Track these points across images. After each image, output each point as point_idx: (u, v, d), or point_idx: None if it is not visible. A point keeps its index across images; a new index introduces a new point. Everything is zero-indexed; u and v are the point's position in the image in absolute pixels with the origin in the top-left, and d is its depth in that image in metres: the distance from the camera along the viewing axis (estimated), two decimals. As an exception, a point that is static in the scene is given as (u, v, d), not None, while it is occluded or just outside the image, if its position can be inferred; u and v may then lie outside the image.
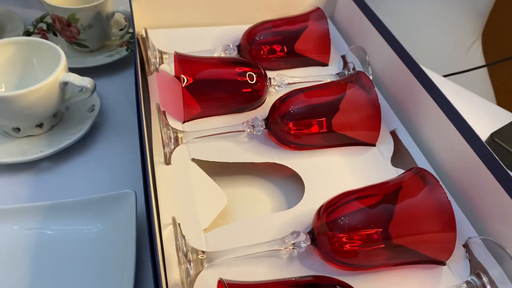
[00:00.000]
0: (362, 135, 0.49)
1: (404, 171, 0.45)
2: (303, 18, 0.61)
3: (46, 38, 0.65)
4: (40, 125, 0.51)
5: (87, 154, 0.51)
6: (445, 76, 0.72)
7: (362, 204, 0.38)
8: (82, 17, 0.59)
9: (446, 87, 0.68)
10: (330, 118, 0.48)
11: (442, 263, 0.39)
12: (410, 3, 1.21)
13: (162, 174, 0.44)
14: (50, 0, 0.58)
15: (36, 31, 0.66)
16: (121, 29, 0.68)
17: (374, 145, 0.49)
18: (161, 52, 0.56)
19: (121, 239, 0.40)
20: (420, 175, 0.40)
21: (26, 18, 0.70)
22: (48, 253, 0.40)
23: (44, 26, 0.67)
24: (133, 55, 0.48)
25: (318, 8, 0.60)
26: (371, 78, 0.54)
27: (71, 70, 0.59)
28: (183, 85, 0.48)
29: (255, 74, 0.51)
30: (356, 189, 0.40)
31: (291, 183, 0.48)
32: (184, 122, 0.50)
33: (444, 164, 0.47)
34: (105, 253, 0.40)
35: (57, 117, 0.52)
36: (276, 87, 0.55)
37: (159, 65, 0.56)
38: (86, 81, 0.48)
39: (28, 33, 0.65)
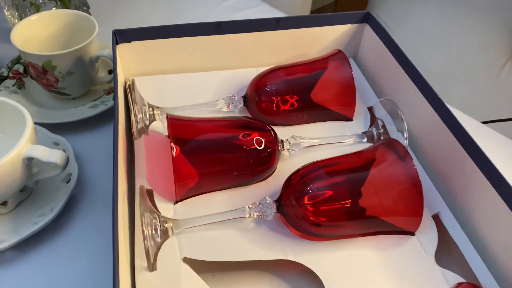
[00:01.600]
0: (399, 220, 0.40)
1: (453, 275, 0.36)
2: (321, 62, 0.52)
3: (23, 84, 0.57)
4: (4, 203, 0.42)
5: (59, 239, 0.43)
6: (484, 122, 0.63)
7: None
8: (60, 63, 0.50)
9: (488, 140, 0.58)
10: (360, 200, 0.39)
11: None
12: (436, 16, 1.12)
13: (145, 283, 0.35)
14: (22, 44, 0.50)
15: (11, 75, 0.58)
16: (110, 71, 0.59)
17: (413, 233, 0.40)
18: (152, 107, 0.48)
19: None
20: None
21: (3, 56, 0.62)
22: None
23: (21, 69, 0.59)
24: (114, 117, 0.40)
25: (340, 51, 0.51)
26: (406, 143, 0.45)
27: (46, 126, 0.52)
28: (175, 155, 0.40)
29: (264, 138, 0.43)
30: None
31: (309, 282, 0.39)
32: (176, 201, 0.42)
33: (504, 263, 0.37)
34: None
35: (25, 191, 0.44)
36: (290, 151, 0.46)
37: (149, 122, 0.47)
38: (55, 156, 0.39)
39: (0, 78, 0.57)
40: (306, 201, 0.39)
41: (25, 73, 0.59)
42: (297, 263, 0.38)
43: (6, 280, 0.40)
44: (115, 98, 0.41)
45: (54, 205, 0.43)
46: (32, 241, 0.42)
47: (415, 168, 0.39)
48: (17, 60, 0.60)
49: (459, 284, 0.33)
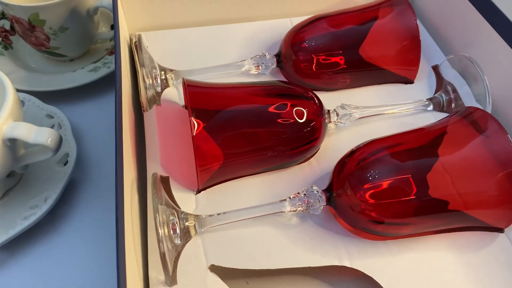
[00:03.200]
0: (485, 214, 0.31)
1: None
2: (374, 8, 0.42)
3: (9, 43, 0.49)
4: (-14, 192, 0.35)
5: (56, 235, 0.35)
6: None
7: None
8: (50, 17, 0.41)
9: None
10: (434, 190, 0.30)
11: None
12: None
13: (163, 301, 0.28)
14: (2, -6, 0.41)
15: (-5, 32, 0.49)
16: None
17: (502, 230, 0.32)
18: (164, 70, 0.39)
19: None
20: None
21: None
22: None
23: (7, 25, 0.50)
24: (114, 81, 0.32)
25: None
26: (489, 111, 0.36)
27: (38, 94, 0.43)
28: (196, 132, 0.32)
29: (305, 108, 0.34)
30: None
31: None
32: (198, 191, 0.34)
33: None
34: None
35: (12, 177, 0.37)
36: (339, 123, 0.37)
37: (162, 89, 0.39)
38: (44, 136, 0.31)
39: (-16, 36, 0.49)
40: (365, 192, 0.30)
41: (12, 31, 0.50)
42: (353, 268, 0.31)
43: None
44: (116, 60, 0.33)
45: (49, 194, 0.36)
46: (23, 239, 0.35)
47: (511, 144, 0.30)
48: (2, 14, 0.51)
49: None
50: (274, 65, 0.42)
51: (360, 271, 0.31)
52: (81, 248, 0.35)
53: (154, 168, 0.34)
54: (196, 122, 0.32)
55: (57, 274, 0.33)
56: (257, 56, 0.41)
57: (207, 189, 0.34)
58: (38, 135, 0.31)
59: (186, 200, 0.33)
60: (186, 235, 0.30)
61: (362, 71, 0.41)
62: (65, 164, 0.38)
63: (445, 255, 0.31)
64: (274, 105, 0.35)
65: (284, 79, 0.42)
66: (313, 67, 0.40)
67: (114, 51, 0.34)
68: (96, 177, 0.39)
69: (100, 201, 0.37)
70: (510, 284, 0.30)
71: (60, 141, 0.32)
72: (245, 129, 0.34)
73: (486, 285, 0.30)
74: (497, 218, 0.32)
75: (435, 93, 0.40)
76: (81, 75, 0.45)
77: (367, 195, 0.30)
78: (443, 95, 0.39)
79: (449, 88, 0.39)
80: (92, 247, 0.35)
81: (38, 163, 0.38)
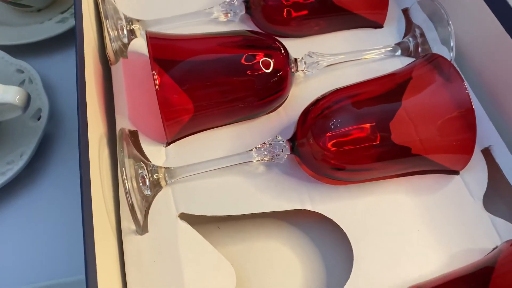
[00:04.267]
0: (442, 158, 0.33)
1: (505, 223, 0.31)
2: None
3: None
4: (-38, 149, 0.36)
5: (33, 189, 0.37)
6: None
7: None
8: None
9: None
10: (394, 135, 0.32)
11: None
12: None
13: (134, 251, 0.30)
14: None
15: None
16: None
17: (457, 172, 0.34)
18: (130, 20, 0.39)
19: None
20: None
21: None
22: None
23: (-32, -27, 0.49)
24: (75, 31, 0.32)
25: None
26: (453, 55, 0.36)
27: (6, 48, 0.43)
28: (159, 82, 0.32)
29: (272, 59, 0.34)
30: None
31: (330, 231, 0.34)
32: (168, 143, 0.35)
33: None
34: None
35: (-14, 133, 0.38)
36: (306, 72, 0.38)
37: (128, 41, 0.39)
38: (11, 95, 0.32)
39: None
40: (327, 140, 0.32)
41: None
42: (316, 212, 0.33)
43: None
44: (76, 12, 0.32)
45: (24, 149, 0.37)
46: (2, 193, 0.37)
47: (467, 91, 0.31)
48: (-37, -37, 0.49)
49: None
50: (243, 12, 0.41)
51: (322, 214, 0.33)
52: (60, 200, 0.36)
53: (122, 122, 0.35)
54: (160, 75, 0.32)
55: (37, 226, 0.35)
56: (226, 3, 0.41)
57: (177, 142, 0.35)
58: (5, 93, 0.32)
59: (156, 153, 0.34)
60: (156, 186, 0.32)
61: (332, 16, 0.41)
62: (39, 119, 0.39)
63: (403, 197, 0.33)
64: (241, 56, 0.35)
65: (254, 26, 0.42)
66: (283, 14, 0.40)
67: (73, 2, 0.34)
68: (70, 130, 0.40)
69: (75, 153, 0.39)
70: (462, 223, 0.32)
71: (28, 99, 0.33)
72: (212, 80, 0.34)
73: (439, 225, 0.32)
74: (453, 161, 0.33)
75: (403, 37, 0.40)
76: (49, 27, 0.45)
77: (329, 144, 0.32)
78: (410, 39, 0.39)
79: (417, 32, 0.39)
80: (71, 198, 0.36)
81: (11, 121, 0.38)
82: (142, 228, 0.30)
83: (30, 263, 0.33)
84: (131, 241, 0.30)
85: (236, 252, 0.33)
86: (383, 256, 0.31)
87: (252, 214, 0.34)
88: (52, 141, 0.40)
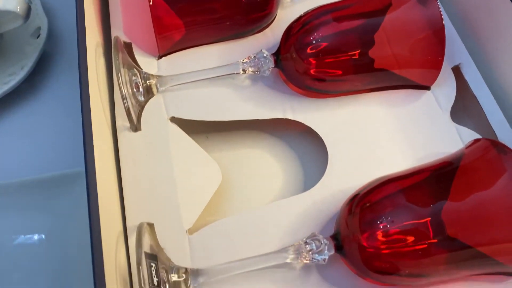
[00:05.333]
0: (413, 73, 0.36)
1: (468, 131, 0.34)
2: None
3: None
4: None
5: (33, 101, 0.40)
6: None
7: (410, 199, 0.28)
8: None
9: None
10: (369, 49, 0.34)
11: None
12: None
13: (128, 146, 0.33)
14: None
15: None
16: None
17: (428, 88, 0.36)
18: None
19: (75, 240, 0.31)
20: (497, 151, 0.29)
21: None
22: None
23: None
24: None
25: None
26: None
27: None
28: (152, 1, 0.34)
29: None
30: (400, 176, 0.29)
31: (309, 141, 0.37)
32: (160, 56, 0.37)
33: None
34: (52, 260, 0.31)
35: (-12, 49, 0.40)
36: (291, -3, 0.40)
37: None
38: (12, 4, 0.34)
39: None
40: (308, 53, 0.34)
41: None
42: (297, 122, 0.35)
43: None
44: None
45: (25, 62, 0.39)
46: (3, 103, 0.39)
47: (439, 11, 0.33)
48: None
49: (476, 140, 0.31)
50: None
51: (302, 124, 0.35)
52: (57, 110, 0.39)
53: (117, 34, 0.37)
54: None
55: (35, 133, 0.38)
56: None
57: (168, 55, 0.37)
58: (6, 2, 0.34)
59: (148, 64, 0.37)
60: (148, 92, 0.34)
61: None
62: (38, 37, 0.41)
63: (377, 109, 0.36)
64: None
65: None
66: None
67: None
68: (68, 49, 0.43)
69: (72, 70, 0.41)
70: (430, 132, 0.35)
71: (29, 9, 0.35)
72: (202, -1, 0.37)
73: (410, 133, 0.35)
74: (424, 76, 0.36)
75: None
76: None
77: (310, 56, 0.34)
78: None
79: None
80: (67, 108, 0.39)
81: (13, 36, 0.41)
82: (136, 126, 0.33)
83: (32, 157, 0.36)
84: (126, 137, 0.33)
85: (222, 158, 0.36)
86: (355, 158, 0.34)
87: (238, 125, 0.37)
88: (51, 59, 0.42)
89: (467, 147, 0.30)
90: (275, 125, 0.38)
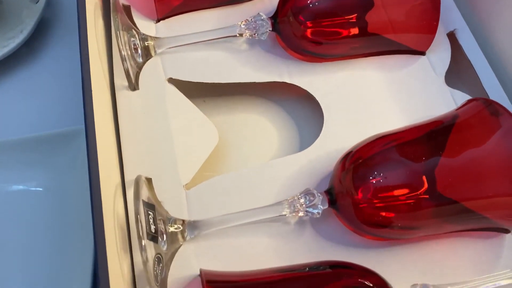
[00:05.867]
0: (409, 38, 0.36)
1: (462, 94, 0.34)
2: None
3: None
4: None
5: (33, 64, 0.40)
6: None
7: (404, 154, 0.29)
8: None
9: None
10: (365, 13, 0.35)
11: (506, 231, 0.30)
12: None
13: (126, 103, 0.33)
14: None
15: None
16: None
17: (424, 53, 0.37)
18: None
19: (74, 195, 0.31)
20: (489, 110, 0.29)
21: None
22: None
23: None
24: None
25: None
26: None
27: None
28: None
29: None
30: (394, 133, 0.29)
31: (305, 104, 0.37)
32: (158, 20, 0.37)
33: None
34: (52, 214, 0.32)
35: (-12, 14, 0.40)
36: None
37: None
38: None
39: None
40: (305, 16, 0.35)
41: None
42: (293, 87, 0.36)
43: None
44: None
45: (24, 26, 0.40)
46: (3, 66, 0.40)
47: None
48: None
49: (471, 100, 0.31)
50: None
51: (298, 89, 0.36)
52: (56, 74, 0.40)
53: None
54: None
55: (33, 98, 0.39)
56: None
57: (166, 19, 0.38)
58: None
59: (147, 28, 0.37)
60: (147, 54, 0.35)
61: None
62: (37, 2, 0.41)
63: (373, 73, 0.36)
64: None
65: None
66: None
67: None
68: (66, 15, 0.43)
69: (70, 36, 0.42)
70: (425, 95, 0.35)
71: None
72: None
73: (404, 97, 0.35)
74: (419, 41, 0.36)
75: None
76: None
77: (307, 21, 0.35)
78: None
79: None
80: (65, 72, 0.40)
81: (12, 2, 0.41)
82: (134, 86, 0.33)
83: (32, 117, 0.36)
84: (124, 96, 0.33)
85: (219, 122, 0.36)
86: (350, 120, 0.34)
87: (235, 90, 0.38)
88: (50, 24, 0.42)
89: (463, 106, 0.31)
90: (271, 90, 0.38)
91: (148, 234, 0.26)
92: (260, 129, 0.37)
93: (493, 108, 0.29)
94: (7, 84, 0.39)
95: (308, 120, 0.37)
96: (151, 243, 0.26)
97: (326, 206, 0.29)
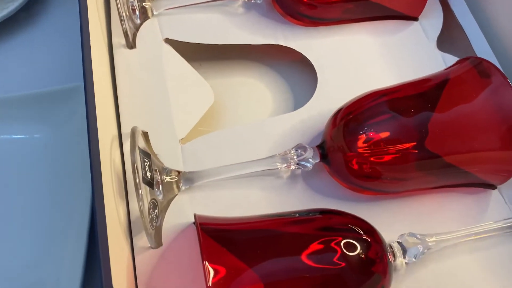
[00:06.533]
0: (401, 4, 0.37)
1: (453, 58, 0.35)
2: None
3: None
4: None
5: (32, 27, 0.41)
6: None
7: (393, 110, 0.29)
8: None
9: None
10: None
11: (493, 187, 0.31)
12: None
13: (124, 61, 0.34)
14: None
15: None
16: None
17: (416, 18, 0.37)
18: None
19: (70, 154, 0.32)
20: (479, 68, 0.29)
21: None
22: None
23: None
24: None
25: None
26: None
27: None
28: None
29: None
30: (386, 89, 0.30)
31: (299, 69, 0.38)
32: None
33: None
34: (47, 173, 0.33)
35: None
36: None
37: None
38: None
39: None
40: (300, -21, 0.35)
41: None
42: (288, 52, 0.37)
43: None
44: None
45: (22, -10, 0.40)
46: (3, 30, 0.41)
47: None
48: None
49: (461, 59, 0.31)
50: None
51: (293, 53, 0.36)
52: (57, 36, 0.41)
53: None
54: None
55: (33, 61, 0.40)
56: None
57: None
58: None
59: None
60: (144, 15, 0.35)
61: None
62: (36, -32, 0.42)
63: (366, 37, 0.37)
64: None
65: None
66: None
67: None
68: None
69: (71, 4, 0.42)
70: (417, 59, 0.36)
71: None
72: None
73: (397, 60, 0.36)
74: (411, 6, 0.37)
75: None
76: None
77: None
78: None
79: None
80: (65, 35, 0.41)
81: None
82: (132, 43, 0.34)
83: (32, 76, 0.37)
84: (122, 54, 0.34)
85: (215, 84, 0.37)
86: (343, 82, 0.35)
87: (230, 55, 0.39)
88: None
89: (454, 64, 0.31)
90: (267, 54, 0.39)
91: (144, 178, 0.26)
92: (255, 92, 0.38)
93: (483, 66, 0.30)
94: (7, 46, 0.40)
95: (302, 84, 0.38)
96: (147, 189, 0.27)
97: (318, 160, 0.30)
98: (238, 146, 0.32)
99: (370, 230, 0.26)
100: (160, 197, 0.28)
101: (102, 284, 0.23)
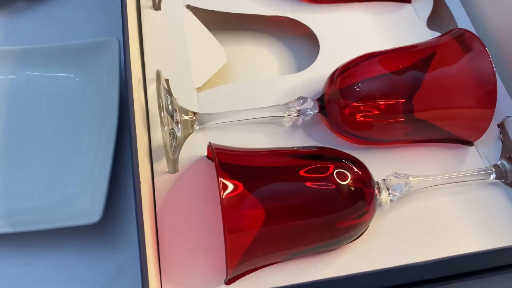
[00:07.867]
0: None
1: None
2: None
3: None
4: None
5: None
6: None
7: (385, 68, 0.34)
8: None
9: None
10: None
11: (470, 143, 0.35)
12: None
13: (150, 21, 0.39)
14: None
15: None
16: None
17: (409, 1, 0.42)
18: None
19: (101, 93, 0.37)
20: (462, 37, 0.34)
21: None
22: (20, 102, 0.38)
23: None
24: None
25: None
26: None
27: None
28: None
29: None
30: (379, 51, 0.35)
31: (304, 42, 0.43)
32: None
33: (494, 29, 0.40)
34: (83, 106, 0.38)
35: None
36: None
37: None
38: None
39: None
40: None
41: None
42: (295, 25, 0.41)
43: (15, 25, 0.44)
44: None
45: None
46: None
47: None
48: None
49: (448, 30, 0.35)
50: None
51: (300, 26, 0.41)
52: (85, 3, 0.45)
53: None
54: None
55: (67, 19, 0.45)
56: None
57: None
58: None
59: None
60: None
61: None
62: None
63: (364, 15, 0.42)
64: None
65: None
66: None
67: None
68: None
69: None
70: (407, 36, 0.40)
71: None
72: None
73: (391, 34, 0.41)
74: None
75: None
76: None
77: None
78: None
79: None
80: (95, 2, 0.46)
81: None
82: (157, 6, 0.39)
83: (70, 31, 0.43)
84: (148, 14, 0.39)
85: (228, 51, 0.41)
86: (342, 49, 0.39)
87: (242, 26, 0.43)
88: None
89: (442, 35, 0.35)
90: (277, 27, 0.44)
91: (167, 110, 0.30)
92: (264, 59, 0.42)
93: (465, 36, 0.34)
94: (43, 8, 0.45)
95: (307, 53, 0.42)
96: (169, 122, 0.31)
97: (317, 111, 0.34)
98: (247, 97, 0.36)
99: (360, 165, 0.30)
100: (178, 134, 0.32)
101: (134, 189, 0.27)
